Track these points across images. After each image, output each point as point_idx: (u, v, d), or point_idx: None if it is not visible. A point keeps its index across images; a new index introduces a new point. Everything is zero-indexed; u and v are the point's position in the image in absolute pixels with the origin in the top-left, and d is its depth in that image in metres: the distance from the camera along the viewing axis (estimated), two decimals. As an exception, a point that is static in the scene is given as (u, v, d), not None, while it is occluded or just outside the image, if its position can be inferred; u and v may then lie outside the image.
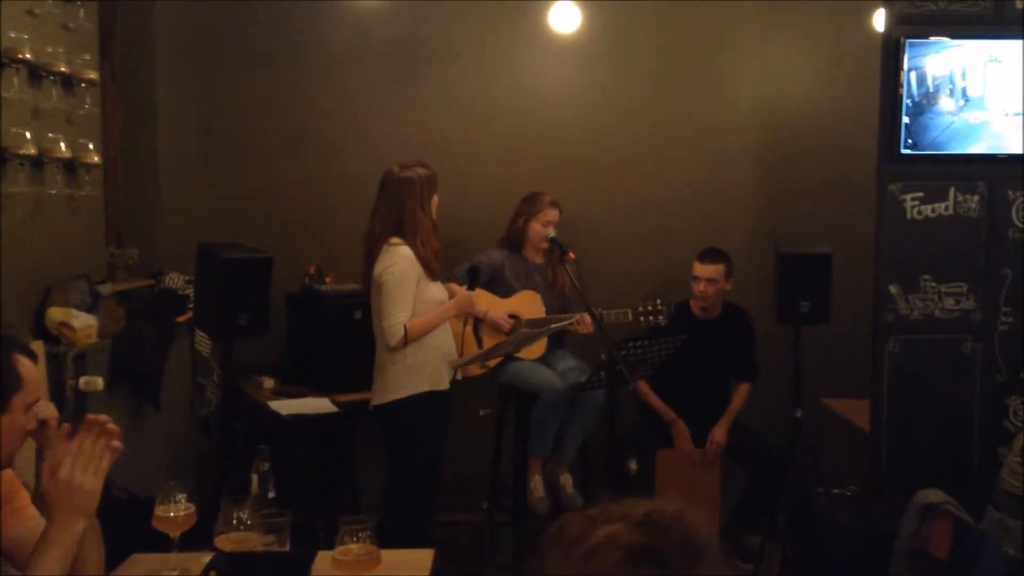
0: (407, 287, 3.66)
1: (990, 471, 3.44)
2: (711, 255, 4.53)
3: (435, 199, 3.79)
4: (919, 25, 3.71)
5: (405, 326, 3.64)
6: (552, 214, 4.41)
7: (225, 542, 2.34)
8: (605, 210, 5.05)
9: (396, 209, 3.73)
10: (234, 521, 2.37)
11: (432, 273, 3.74)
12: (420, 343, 3.70)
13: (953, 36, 3.70)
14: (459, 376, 3.90)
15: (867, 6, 4.82)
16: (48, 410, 2.22)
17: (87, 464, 1.98)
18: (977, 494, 3.28)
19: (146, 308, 4.17)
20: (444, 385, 3.80)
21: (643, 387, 4.54)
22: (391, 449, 3.84)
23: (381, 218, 3.76)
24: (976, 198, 3.77)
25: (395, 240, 3.69)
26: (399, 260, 3.66)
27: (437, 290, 3.80)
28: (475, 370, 4.22)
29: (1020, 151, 3.73)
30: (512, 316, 4.39)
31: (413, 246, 3.69)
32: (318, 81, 4.99)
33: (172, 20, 4.92)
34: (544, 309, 4.40)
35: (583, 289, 4.04)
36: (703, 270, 4.51)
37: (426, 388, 3.74)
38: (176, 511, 2.34)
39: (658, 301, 4.29)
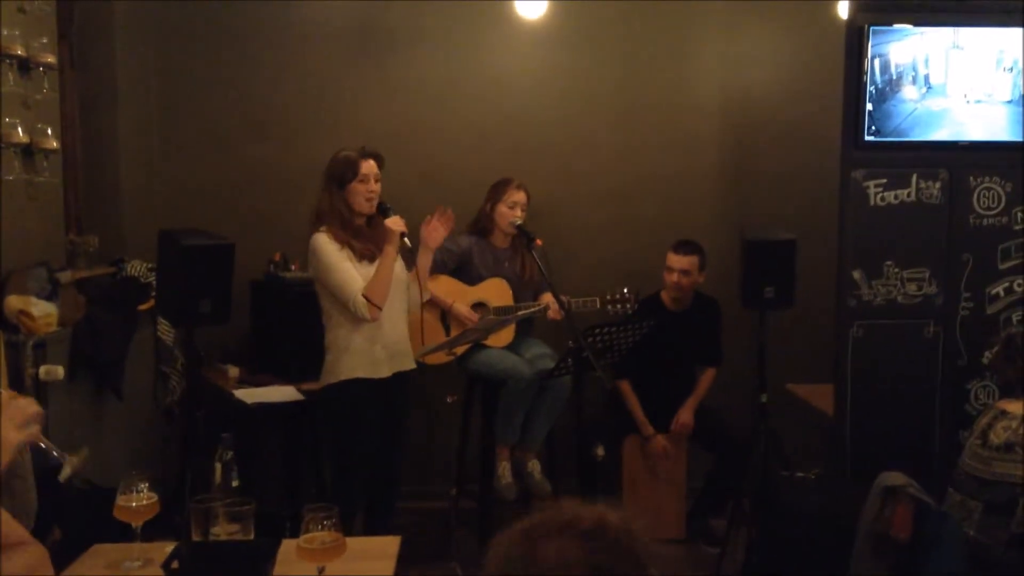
0: (338, 264, 3.61)
1: (951, 454, 3.48)
2: (686, 247, 4.53)
3: (356, 186, 3.65)
4: (883, 13, 3.73)
5: (364, 295, 3.59)
6: (518, 196, 4.38)
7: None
8: (571, 197, 5.05)
9: (320, 193, 3.73)
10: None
11: (358, 254, 3.65)
12: (352, 329, 3.65)
13: (916, 24, 3.73)
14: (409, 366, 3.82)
15: (831, -6, 4.85)
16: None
17: (15, 416, 1.92)
18: (939, 477, 3.33)
19: (107, 296, 4.11)
20: (383, 373, 3.70)
21: (626, 389, 4.55)
22: (329, 434, 3.83)
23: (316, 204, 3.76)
24: (938, 184, 3.81)
25: (320, 229, 3.67)
26: (316, 248, 3.64)
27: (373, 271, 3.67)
28: (442, 357, 4.20)
29: (981, 138, 3.78)
30: (480, 304, 4.39)
31: (330, 232, 3.65)
32: (282, 66, 4.94)
33: (132, 3, 4.84)
34: (512, 296, 4.40)
35: (550, 276, 4.04)
36: (677, 261, 4.51)
37: (359, 374, 3.66)
38: (138, 501, 2.31)
39: (625, 290, 4.28)
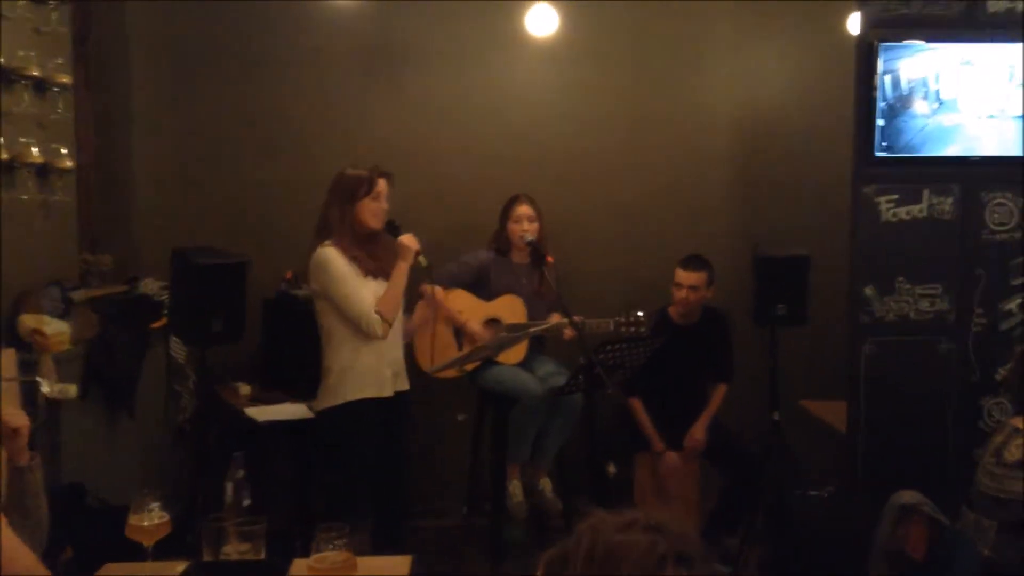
0: (350, 280, 3.57)
1: (965, 472, 3.46)
2: (694, 263, 4.52)
3: (368, 202, 3.63)
4: (893, 28, 3.73)
5: (377, 311, 3.56)
6: (522, 209, 4.40)
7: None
8: (582, 213, 5.05)
9: (324, 209, 3.70)
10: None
11: (365, 271, 3.62)
12: (357, 347, 3.61)
13: (927, 39, 3.72)
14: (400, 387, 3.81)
15: (841, 9, 4.85)
16: (20, 418, 2.19)
17: None
18: (952, 495, 3.30)
19: (120, 314, 4.13)
20: (387, 392, 3.67)
21: (638, 408, 4.53)
22: (330, 457, 3.76)
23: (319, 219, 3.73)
24: (950, 200, 3.80)
25: (325, 243, 3.63)
26: (326, 262, 3.58)
27: (380, 288, 3.65)
28: (453, 373, 4.20)
29: (993, 153, 3.76)
30: (493, 320, 4.39)
31: (339, 246, 3.61)
32: (294, 84, 4.97)
33: (146, 23, 4.88)
34: (526, 313, 4.40)
35: (561, 293, 4.03)
36: (686, 277, 4.50)
37: (367, 394, 3.62)
38: (150, 520, 2.32)
39: (640, 313, 4.26)
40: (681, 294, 4.51)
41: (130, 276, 4.56)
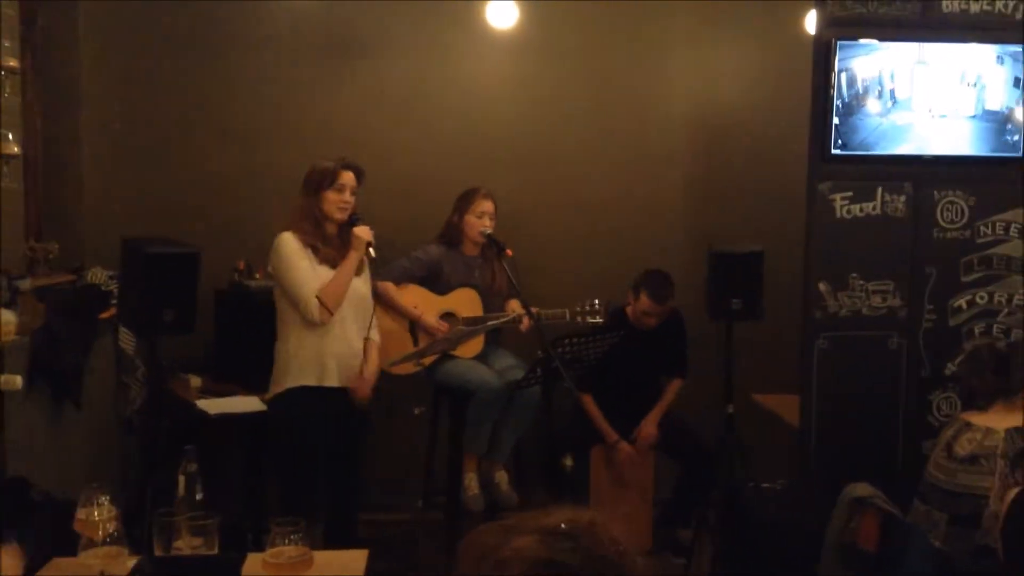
0: (297, 263, 3.61)
1: (915, 464, 3.51)
2: (662, 292, 4.48)
3: (331, 194, 3.67)
4: (849, 27, 3.77)
5: (318, 297, 3.59)
6: (485, 205, 4.37)
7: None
8: (540, 208, 5.04)
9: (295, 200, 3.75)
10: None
11: (321, 257, 3.66)
12: (302, 336, 3.64)
13: (882, 39, 3.77)
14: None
15: (798, 8, 4.89)
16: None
17: None
18: (903, 487, 3.35)
19: (67, 304, 4.03)
20: (331, 382, 3.68)
21: (589, 403, 4.54)
22: (275, 448, 3.82)
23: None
24: (903, 198, 3.85)
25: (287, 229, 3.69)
26: (279, 246, 3.65)
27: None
28: (410, 368, 4.17)
29: (945, 152, 3.82)
30: (449, 314, 4.36)
31: (297, 232, 3.66)
32: (247, 72, 4.89)
33: (96, 8, 4.77)
34: (482, 307, 4.38)
35: (520, 286, 4.02)
36: (656, 309, 4.49)
37: (306, 382, 3.65)
38: (98, 514, 2.26)
39: (596, 301, 4.28)
40: (650, 322, 4.51)
41: (76, 265, 4.46)
